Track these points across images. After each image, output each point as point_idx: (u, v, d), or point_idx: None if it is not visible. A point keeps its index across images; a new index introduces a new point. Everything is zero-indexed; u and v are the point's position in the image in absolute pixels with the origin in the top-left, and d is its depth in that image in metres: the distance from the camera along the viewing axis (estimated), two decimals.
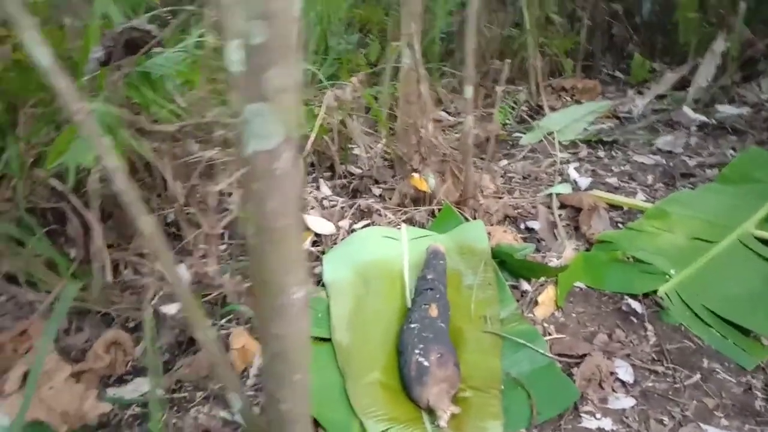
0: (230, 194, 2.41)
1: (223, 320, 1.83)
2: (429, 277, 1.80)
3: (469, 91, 2.12)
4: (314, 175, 2.79)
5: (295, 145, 0.53)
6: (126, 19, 1.72)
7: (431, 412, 1.42)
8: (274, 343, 0.63)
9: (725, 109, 3.46)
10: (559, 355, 1.63)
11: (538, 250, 2.17)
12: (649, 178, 2.76)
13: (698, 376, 1.57)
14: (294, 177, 0.56)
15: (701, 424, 1.41)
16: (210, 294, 1.96)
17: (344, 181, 2.78)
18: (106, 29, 1.59)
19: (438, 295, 1.73)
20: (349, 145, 3.01)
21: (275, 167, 0.53)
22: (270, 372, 0.65)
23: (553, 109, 3.75)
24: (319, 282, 1.93)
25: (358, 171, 2.91)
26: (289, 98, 0.51)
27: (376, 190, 2.73)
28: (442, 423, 1.38)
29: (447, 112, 3.89)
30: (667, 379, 1.56)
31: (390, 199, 2.61)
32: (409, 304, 1.81)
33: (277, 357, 0.64)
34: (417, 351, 1.51)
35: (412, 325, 1.61)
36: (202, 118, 1.44)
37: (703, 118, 3.39)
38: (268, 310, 0.61)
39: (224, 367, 0.87)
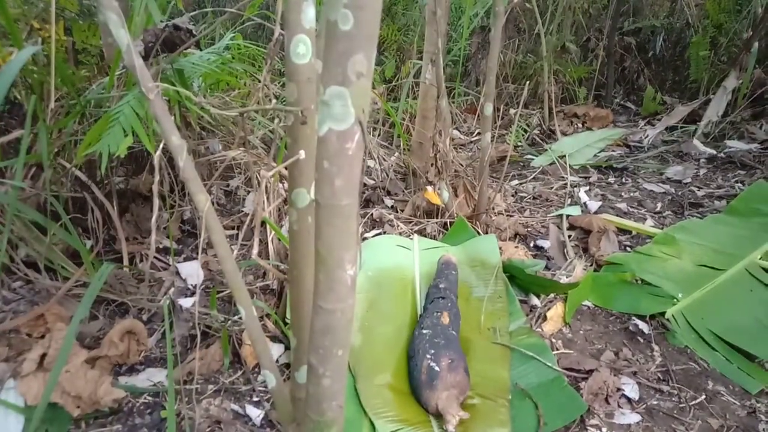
0: (247, 193, 2.46)
1: (236, 317, 1.85)
2: (441, 286, 1.83)
3: (488, 108, 2.17)
4: None
5: (363, 127, 0.57)
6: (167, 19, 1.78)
7: (439, 416, 1.44)
8: (324, 317, 0.66)
9: (734, 144, 3.51)
10: (567, 369, 1.66)
11: (547, 268, 2.21)
12: (658, 206, 2.81)
13: (703, 397, 1.59)
14: (360, 158, 0.60)
15: None
16: (224, 291, 1.99)
17: None
18: (147, 26, 1.65)
19: (450, 304, 1.76)
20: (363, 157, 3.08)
21: (347, 147, 0.58)
22: (315, 347, 0.68)
23: (564, 134, 3.81)
24: None
25: (371, 182, 2.96)
26: (365, 83, 0.55)
27: (388, 201, 2.78)
28: (450, 428, 1.39)
29: (459, 131, 3.96)
30: (673, 399, 1.58)
31: (402, 210, 2.65)
32: (420, 311, 1.84)
33: (325, 331, 0.67)
34: (428, 356, 1.53)
35: (424, 331, 1.64)
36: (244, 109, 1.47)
37: (712, 151, 3.45)
38: (322, 285, 0.65)
39: (263, 344, 0.90)
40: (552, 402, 1.52)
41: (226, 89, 2.61)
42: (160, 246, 2.24)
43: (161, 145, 0.75)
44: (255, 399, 1.58)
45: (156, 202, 0.78)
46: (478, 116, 3.75)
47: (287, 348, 1.75)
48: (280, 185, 2.06)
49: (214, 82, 2.18)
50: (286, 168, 0.85)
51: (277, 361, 1.73)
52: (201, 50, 1.93)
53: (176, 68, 1.68)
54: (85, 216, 2.04)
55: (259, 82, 2.09)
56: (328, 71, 0.55)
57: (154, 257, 2.15)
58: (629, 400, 1.57)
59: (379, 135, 3.23)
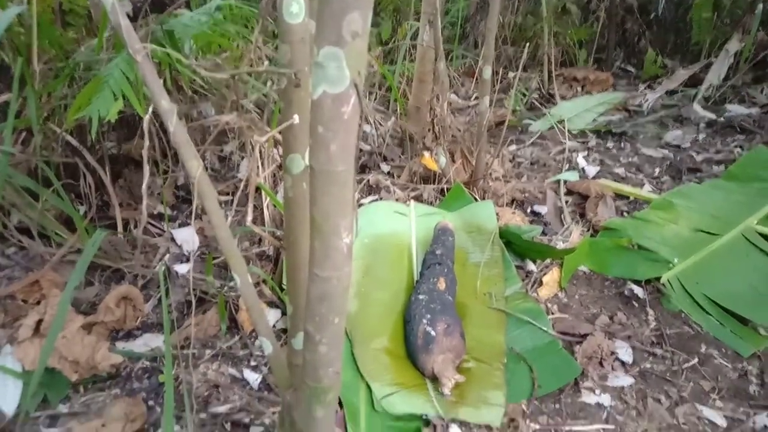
0: (241, 159, 2.43)
1: (233, 282, 1.85)
2: (438, 252, 1.83)
3: (487, 71, 2.12)
4: None
5: (359, 90, 0.55)
6: None
7: (435, 379, 1.46)
8: (320, 285, 0.66)
9: (734, 109, 3.47)
10: (562, 333, 1.67)
11: (544, 233, 2.21)
12: (656, 171, 2.79)
13: (695, 360, 1.61)
14: (356, 123, 0.58)
15: (697, 405, 1.45)
16: (220, 257, 1.99)
17: None
18: None
19: (446, 270, 1.76)
20: (359, 121, 3.04)
21: (343, 111, 0.55)
22: (312, 314, 0.68)
23: (563, 98, 3.76)
24: None
25: (367, 147, 2.92)
26: (361, 43, 0.53)
27: (385, 167, 2.75)
28: (446, 390, 1.41)
29: (457, 95, 3.90)
30: (666, 362, 1.60)
31: (399, 176, 2.63)
32: (417, 277, 1.84)
33: (321, 299, 0.66)
34: (424, 320, 1.54)
35: (420, 297, 1.64)
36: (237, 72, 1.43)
37: (712, 115, 3.41)
38: (318, 253, 0.64)
39: (258, 311, 0.89)
40: (547, 365, 1.54)
41: (218, 51, 2.55)
42: (155, 212, 2.22)
43: (150, 109, 0.73)
44: (252, 363, 1.60)
45: (146, 167, 0.77)
46: (477, 80, 3.69)
47: (284, 313, 1.76)
48: (275, 150, 2.03)
49: (205, 44, 2.12)
50: (280, 133, 0.83)
51: (274, 326, 1.74)
52: (191, 11, 1.87)
53: (166, 29, 1.63)
54: (78, 182, 2.02)
55: (252, 43, 2.04)
56: (321, 31, 0.52)
57: (149, 223, 2.14)
58: (623, 363, 1.59)
59: (375, 99, 3.18)
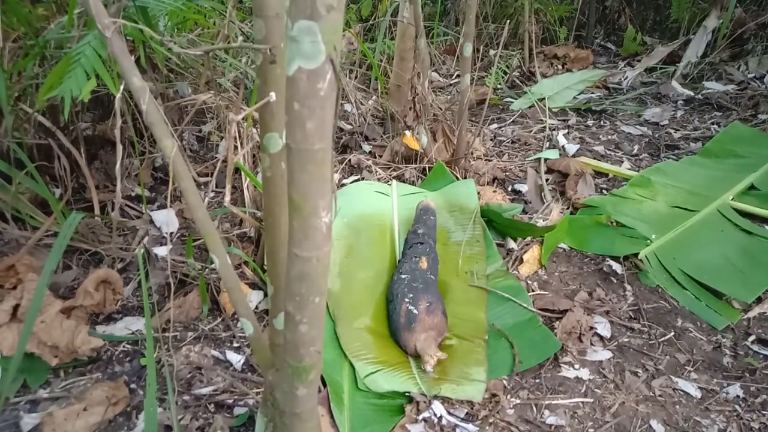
0: (220, 139, 2.40)
1: (213, 264, 1.83)
2: (420, 231, 1.84)
3: (468, 49, 2.11)
4: None
5: (335, 65, 0.53)
6: None
7: (418, 357, 1.47)
8: (299, 265, 0.65)
9: (712, 86, 3.51)
10: (542, 309, 1.69)
11: (525, 212, 2.22)
12: (635, 148, 2.82)
13: (672, 333, 1.64)
14: (332, 99, 0.56)
15: (672, 377, 1.49)
16: (201, 239, 1.97)
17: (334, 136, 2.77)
18: None
19: (428, 249, 1.77)
20: (336, 98, 3.01)
21: (319, 87, 0.54)
22: (291, 294, 0.68)
23: (544, 75, 3.76)
24: None
25: (348, 127, 2.90)
26: (337, 16, 0.51)
27: (366, 147, 2.74)
28: (428, 368, 1.43)
29: (438, 73, 3.88)
30: (643, 336, 1.64)
31: (380, 156, 2.62)
32: (399, 256, 1.84)
33: (301, 279, 0.66)
34: (407, 299, 1.55)
35: (403, 276, 1.65)
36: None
37: (690, 92, 3.44)
38: (297, 233, 0.63)
39: (238, 292, 0.89)
40: (527, 341, 1.56)
41: (194, 28, 2.49)
42: (133, 194, 2.19)
43: (122, 87, 0.71)
44: (235, 345, 1.59)
45: (119, 147, 0.75)
46: (458, 57, 3.66)
47: (266, 295, 1.75)
48: (254, 130, 2.00)
49: (180, 20, 2.07)
50: (258, 111, 0.81)
51: (256, 307, 1.73)
52: None
53: (139, 5, 1.59)
54: (52, 163, 1.97)
55: (227, 19, 2.00)
56: (295, 4, 0.51)
57: (127, 206, 2.10)
58: (601, 337, 1.62)
59: (355, 77, 3.15)
